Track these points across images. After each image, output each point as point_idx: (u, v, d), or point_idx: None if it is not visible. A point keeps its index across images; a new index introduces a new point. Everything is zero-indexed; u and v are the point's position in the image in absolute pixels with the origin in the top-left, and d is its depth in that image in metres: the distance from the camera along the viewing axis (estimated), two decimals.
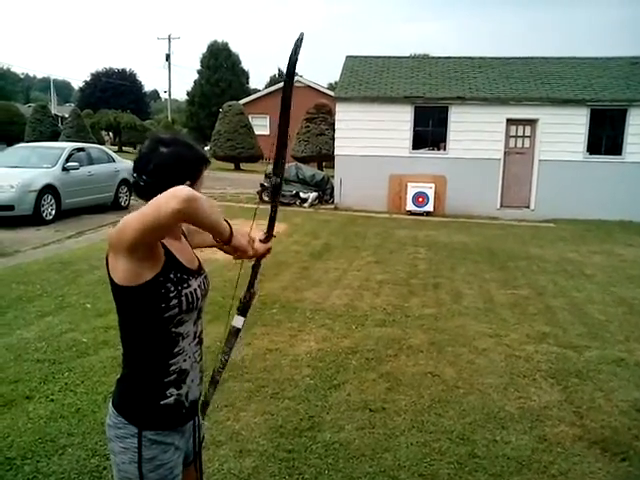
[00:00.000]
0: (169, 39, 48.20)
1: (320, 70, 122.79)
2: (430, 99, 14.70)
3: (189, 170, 1.65)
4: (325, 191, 15.46)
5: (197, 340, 1.73)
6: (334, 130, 16.08)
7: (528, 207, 14.72)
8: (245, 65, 48.63)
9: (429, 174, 14.31)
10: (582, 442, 3.42)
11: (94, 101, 50.16)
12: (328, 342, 4.95)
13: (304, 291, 6.53)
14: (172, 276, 1.59)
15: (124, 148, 35.70)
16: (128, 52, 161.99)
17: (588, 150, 14.30)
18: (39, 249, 8.43)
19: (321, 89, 32.80)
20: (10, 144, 15.53)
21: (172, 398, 1.65)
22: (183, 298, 1.60)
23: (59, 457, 3.06)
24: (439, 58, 17.54)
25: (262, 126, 31.93)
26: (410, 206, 14.12)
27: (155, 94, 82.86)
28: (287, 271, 7.38)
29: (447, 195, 14.46)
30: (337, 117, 15.47)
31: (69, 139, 23.36)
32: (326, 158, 21.61)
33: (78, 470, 2.96)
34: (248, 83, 48.54)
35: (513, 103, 14.42)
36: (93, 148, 13.47)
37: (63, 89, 76.43)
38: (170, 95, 51.64)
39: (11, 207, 10.07)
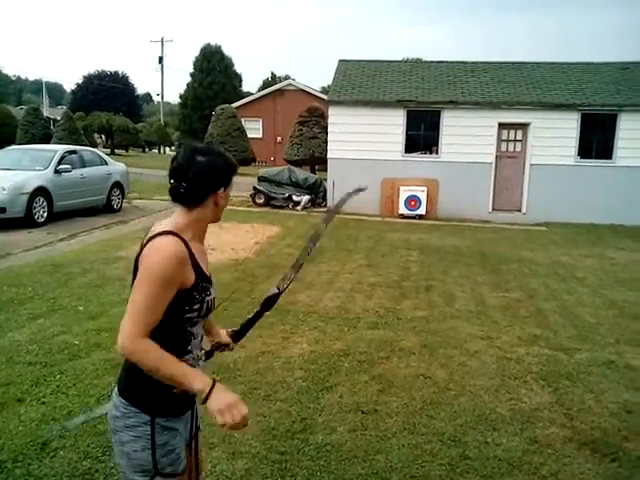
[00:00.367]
0: (162, 42, 48.25)
1: (313, 74, 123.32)
2: (422, 103, 14.78)
3: (223, 177, 1.79)
4: (318, 194, 15.49)
5: (200, 339, 1.87)
6: (327, 133, 16.12)
7: (520, 211, 14.81)
8: (238, 68, 48.64)
9: (421, 178, 14.37)
10: (572, 443, 3.45)
11: (86, 103, 49.91)
12: (320, 344, 4.96)
13: (297, 294, 6.53)
14: (199, 286, 1.73)
15: (116, 151, 35.62)
16: (121, 54, 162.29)
17: (579, 154, 14.43)
18: (31, 251, 8.39)
19: (314, 93, 32.88)
20: (1, 146, 15.43)
21: None
22: (205, 304, 1.77)
23: (50, 460, 3.05)
24: (432, 62, 17.64)
25: (255, 129, 31.99)
26: (402, 209, 14.16)
27: (148, 97, 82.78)
28: (280, 274, 7.37)
29: (439, 198, 14.52)
30: (330, 120, 15.53)
31: (61, 142, 23.21)
32: (319, 161, 21.64)
33: (70, 473, 2.95)
34: (241, 86, 48.53)
35: (505, 107, 14.52)
36: (85, 151, 13.42)
37: (55, 91, 76.09)
38: (163, 98, 51.70)
39: (3, 209, 10.02)
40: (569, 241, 11.50)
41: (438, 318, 5.88)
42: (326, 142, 16.25)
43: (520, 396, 4.08)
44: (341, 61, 17.20)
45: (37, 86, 71.25)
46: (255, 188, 15.20)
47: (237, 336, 2.16)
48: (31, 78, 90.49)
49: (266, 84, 49.49)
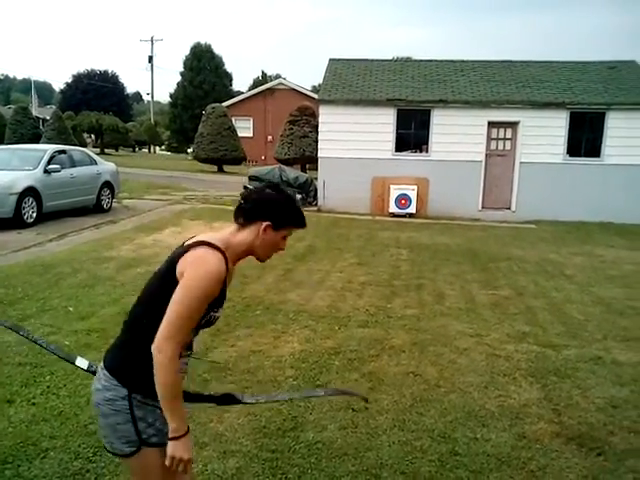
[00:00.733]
0: (152, 41, 48.09)
1: (304, 73, 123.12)
2: (412, 102, 14.82)
3: (278, 215, 1.88)
4: (308, 193, 15.50)
5: (190, 344, 1.93)
6: (317, 132, 16.14)
7: (509, 209, 14.90)
8: (228, 67, 48.74)
9: (412, 176, 14.43)
10: (560, 438, 3.49)
11: (76, 103, 49.56)
12: (311, 343, 4.98)
13: (287, 293, 6.55)
14: (216, 302, 1.83)
15: (106, 150, 35.41)
16: (110, 54, 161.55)
17: (568, 152, 14.53)
18: (20, 252, 8.34)
19: (305, 92, 32.91)
20: None
21: None
22: (210, 318, 1.87)
23: (41, 461, 3.05)
24: (421, 61, 17.70)
25: (245, 128, 31.96)
26: (393, 208, 14.21)
27: (138, 96, 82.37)
28: (270, 273, 7.39)
29: (429, 197, 14.59)
30: (320, 119, 15.53)
31: (50, 141, 23.07)
32: (309, 160, 21.67)
33: (60, 473, 2.95)
34: (231, 85, 48.52)
35: (494, 106, 14.60)
36: (75, 150, 13.33)
37: (44, 90, 75.59)
38: (153, 97, 51.50)
39: None
40: (558, 239, 11.58)
41: (428, 316, 5.92)
42: (317, 141, 16.27)
43: (509, 392, 4.12)
44: (331, 60, 17.21)
45: (26, 85, 70.71)
46: (245, 187, 15.17)
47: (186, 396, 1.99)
48: (19, 77, 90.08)
49: (257, 83, 49.39)
